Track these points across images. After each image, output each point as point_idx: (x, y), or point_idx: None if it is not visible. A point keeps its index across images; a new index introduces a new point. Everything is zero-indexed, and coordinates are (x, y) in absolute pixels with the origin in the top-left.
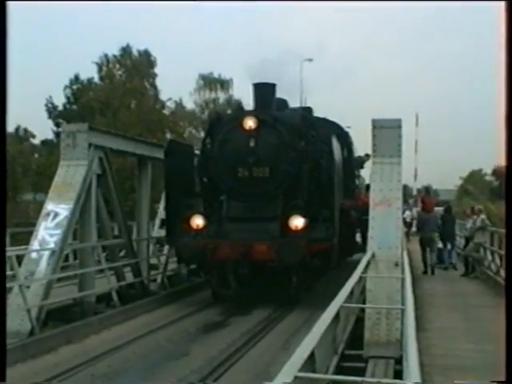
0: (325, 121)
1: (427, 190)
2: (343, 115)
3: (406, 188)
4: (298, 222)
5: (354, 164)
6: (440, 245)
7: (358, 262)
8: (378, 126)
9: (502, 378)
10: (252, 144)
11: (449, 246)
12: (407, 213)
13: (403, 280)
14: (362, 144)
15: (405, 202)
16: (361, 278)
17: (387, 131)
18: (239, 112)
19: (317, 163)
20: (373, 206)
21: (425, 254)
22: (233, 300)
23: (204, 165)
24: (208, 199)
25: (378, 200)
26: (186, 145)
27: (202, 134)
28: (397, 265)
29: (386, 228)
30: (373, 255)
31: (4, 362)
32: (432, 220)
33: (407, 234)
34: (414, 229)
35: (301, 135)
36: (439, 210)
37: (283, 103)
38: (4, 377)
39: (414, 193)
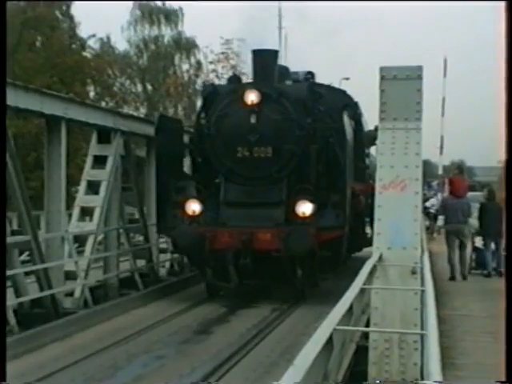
0: (331, 89)
1: (460, 168)
2: (345, 68)
3: (427, 165)
4: (305, 208)
5: (364, 140)
6: (479, 243)
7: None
8: (388, 76)
9: None
10: (253, 120)
11: (492, 246)
12: (432, 201)
13: (424, 294)
14: (366, 108)
15: (426, 184)
16: (363, 290)
17: (402, 84)
18: (238, 83)
19: (326, 142)
20: (380, 189)
21: (452, 252)
22: (232, 294)
23: (198, 143)
24: (202, 182)
25: (388, 181)
26: (175, 120)
27: (140, 88)
28: (414, 272)
29: (399, 220)
30: (380, 258)
31: (4, 361)
32: (463, 207)
33: (430, 230)
34: (440, 222)
35: (308, 110)
36: (474, 195)
37: (284, 71)
38: (4, 377)
39: (440, 172)
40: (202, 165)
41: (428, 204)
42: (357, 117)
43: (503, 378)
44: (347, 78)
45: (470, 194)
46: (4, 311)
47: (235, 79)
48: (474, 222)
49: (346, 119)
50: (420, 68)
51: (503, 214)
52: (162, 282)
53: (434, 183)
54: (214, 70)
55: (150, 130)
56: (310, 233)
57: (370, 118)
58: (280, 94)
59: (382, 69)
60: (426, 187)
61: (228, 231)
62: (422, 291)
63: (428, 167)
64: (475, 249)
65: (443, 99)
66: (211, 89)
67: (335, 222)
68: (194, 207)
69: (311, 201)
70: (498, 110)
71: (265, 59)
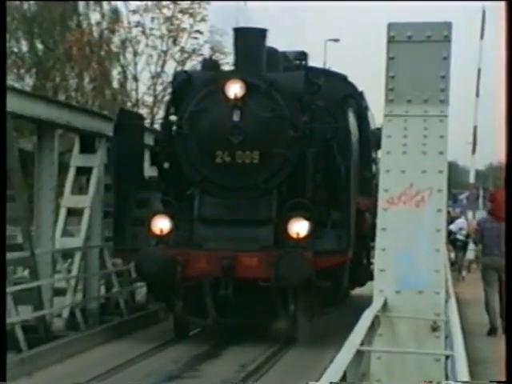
0: (329, 76)
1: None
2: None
3: (453, 169)
4: (300, 228)
5: (370, 141)
6: None
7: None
8: (399, 37)
9: None
10: (236, 118)
11: None
12: (459, 222)
13: (450, 361)
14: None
15: (452, 197)
16: (360, 353)
17: (420, 49)
18: (216, 71)
19: (326, 146)
20: (385, 204)
21: (491, 295)
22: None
23: (166, 145)
24: (170, 193)
25: (397, 192)
26: (135, 115)
27: (25, 47)
28: (435, 329)
29: (413, 250)
30: (385, 306)
31: (4, 361)
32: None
33: (458, 266)
34: (471, 254)
35: (304, 106)
36: None
37: (274, 55)
38: (4, 377)
39: (471, 180)
40: (170, 172)
41: (453, 227)
42: (362, 111)
43: None
44: (336, 40)
45: None
46: (4, 312)
47: (211, 65)
48: None
49: (351, 117)
50: (447, 26)
51: None
52: (56, 338)
53: (463, 196)
54: (138, 24)
55: (40, 111)
56: (307, 258)
57: (373, 105)
58: (270, 86)
59: (390, 26)
60: (451, 202)
61: (205, 255)
62: (447, 357)
63: (454, 173)
64: None
65: (479, 72)
66: (184, 77)
67: (336, 246)
68: (161, 224)
69: (307, 218)
70: None
71: (250, 41)
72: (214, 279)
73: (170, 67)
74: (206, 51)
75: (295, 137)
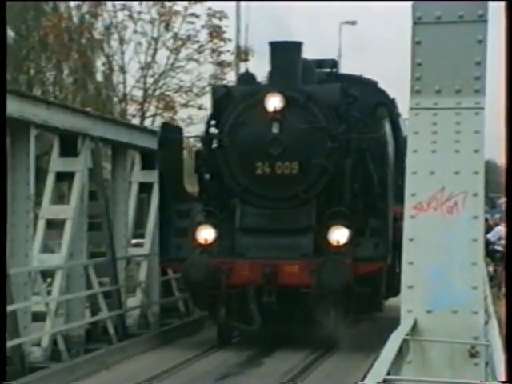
0: (359, 82)
1: None
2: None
3: (491, 170)
4: (340, 236)
5: (403, 148)
6: None
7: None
8: (427, 18)
9: None
10: (275, 130)
11: None
12: (498, 230)
13: None
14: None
15: (489, 202)
16: (386, 383)
17: (451, 31)
18: (256, 85)
19: (362, 156)
20: (412, 210)
21: None
22: (253, 339)
23: (207, 157)
24: (211, 204)
25: (426, 197)
26: (176, 128)
27: None
28: (474, 355)
29: (446, 264)
30: (414, 328)
31: (4, 361)
32: None
33: (497, 281)
34: None
35: (340, 117)
36: None
37: (308, 66)
38: (4, 377)
39: None
40: (211, 183)
41: (492, 236)
42: (394, 119)
43: None
44: (353, 22)
45: None
46: (4, 312)
47: (249, 78)
48: None
49: (388, 127)
50: (483, 4)
51: None
52: (34, 371)
53: (502, 200)
54: (124, 7)
55: (13, 109)
56: (347, 264)
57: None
58: (307, 98)
59: (416, 6)
60: (489, 207)
61: (248, 263)
62: None
63: (492, 174)
64: None
65: None
66: (224, 91)
67: (374, 253)
68: (206, 234)
69: (347, 226)
70: None
71: (287, 54)
72: (258, 286)
73: (162, 56)
74: (202, 37)
75: (333, 147)
